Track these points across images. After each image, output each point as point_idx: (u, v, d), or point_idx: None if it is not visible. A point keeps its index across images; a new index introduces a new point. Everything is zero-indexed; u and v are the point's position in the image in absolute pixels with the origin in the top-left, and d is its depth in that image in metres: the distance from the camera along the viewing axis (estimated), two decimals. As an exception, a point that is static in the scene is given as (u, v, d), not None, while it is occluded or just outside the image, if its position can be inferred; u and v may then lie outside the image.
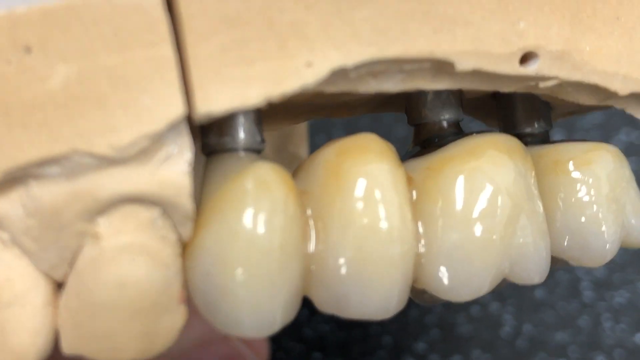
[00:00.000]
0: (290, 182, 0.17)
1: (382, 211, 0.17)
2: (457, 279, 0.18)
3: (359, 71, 0.16)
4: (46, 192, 0.15)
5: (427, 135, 0.20)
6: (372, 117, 0.33)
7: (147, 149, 0.15)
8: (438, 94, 0.20)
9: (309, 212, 0.17)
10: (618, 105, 0.20)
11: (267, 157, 0.18)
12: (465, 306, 0.34)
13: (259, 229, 0.16)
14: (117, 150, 0.15)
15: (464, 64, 0.17)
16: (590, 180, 0.19)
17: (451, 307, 0.33)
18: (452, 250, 0.17)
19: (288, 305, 0.17)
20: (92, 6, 0.15)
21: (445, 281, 0.18)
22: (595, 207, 0.19)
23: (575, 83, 0.18)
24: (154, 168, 0.15)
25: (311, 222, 0.17)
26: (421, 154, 0.19)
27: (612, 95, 0.19)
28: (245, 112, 0.17)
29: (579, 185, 0.19)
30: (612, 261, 0.33)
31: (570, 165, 0.20)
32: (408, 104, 0.20)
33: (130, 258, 0.15)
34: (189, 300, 0.29)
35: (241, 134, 0.17)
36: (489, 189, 0.18)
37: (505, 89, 0.18)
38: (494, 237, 0.18)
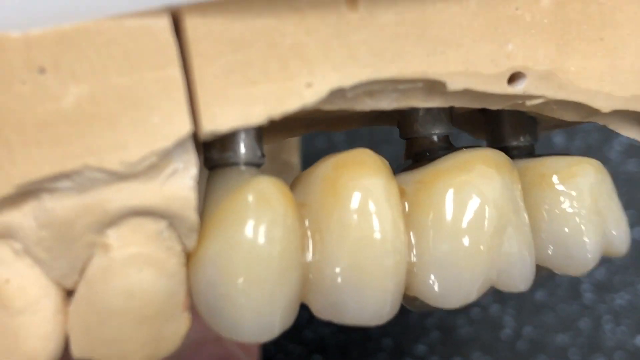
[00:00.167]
0: (289, 196, 0.17)
1: (376, 223, 0.18)
2: (446, 287, 0.19)
3: (355, 91, 0.17)
4: (58, 205, 0.16)
5: (418, 149, 0.21)
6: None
7: (155, 165, 0.16)
8: (429, 110, 0.20)
9: (307, 223, 0.18)
10: (601, 122, 0.21)
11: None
12: (465, 308, 0.33)
13: (260, 240, 0.17)
14: (126, 166, 0.16)
15: (455, 84, 0.18)
16: (574, 193, 0.20)
17: (451, 310, 0.34)
18: (442, 259, 0.18)
19: (287, 312, 0.17)
20: (104, 29, 0.15)
21: (436, 289, 0.19)
22: (578, 218, 0.20)
23: (561, 101, 0.19)
24: (161, 183, 0.16)
25: (309, 233, 0.18)
26: (413, 167, 0.20)
27: (595, 112, 0.20)
28: (247, 129, 0.18)
29: (562, 197, 0.20)
30: (612, 263, 0.34)
31: (555, 179, 0.20)
32: (401, 119, 0.21)
33: (138, 268, 0.16)
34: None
35: (242, 149, 0.18)
36: (477, 202, 0.19)
37: (493, 106, 0.19)
38: (482, 247, 0.18)
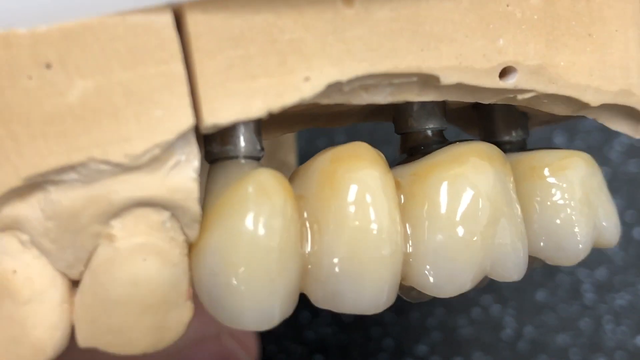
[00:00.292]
0: (288, 187, 0.18)
1: (372, 214, 0.18)
2: (441, 277, 0.19)
3: (352, 85, 0.18)
4: (64, 197, 0.16)
5: (413, 143, 0.21)
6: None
7: (158, 157, 0.16)
8: (423, 105, 0.21)
9: (305, 215, 0.18)
10: (590, 116, 0.21)
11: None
12: (466, 309, 0.34)
13: (259, 230, 0.17)
14: (131, 159, 0.16)
15: (448, 78, 0.18)
16: (565, 185, 0.21)
17: (452, 310, 0.34)
18: (437, 250, 0.19)
19: (286, 301, 0.18)
20: (108, 25, 0.16)
21: (431, 278, 0.19)
22: (569, 209, 0.21)
23: (551, 95, 0.20)
24: (164, 175, 0.16)
25: (307, 225, 0.18)
26: (408, 161, 0.20)
27: (585, 106, 0.20)
28: (246, 123, 0.18)
29: (554, 189, 0.21)
30: (613, 263, 0.35)
31: (546, 171, 0.21)
32: (396, 114, 0.22)
33: (142, 258, 0.17)
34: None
35: (242, 143, 0.18)
36: (471, 194, 0.19)
37: (486, 100, 0.20)
38: (476, 238, 0.19)
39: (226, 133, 0.18)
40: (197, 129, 0.17)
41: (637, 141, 0.37)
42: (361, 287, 0.18)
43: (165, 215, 0.17)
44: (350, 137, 0.34)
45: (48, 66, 0.16)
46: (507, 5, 0.19)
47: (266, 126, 0.21)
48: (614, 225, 0.22)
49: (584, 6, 0.20)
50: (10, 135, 0.16)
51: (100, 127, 0.16)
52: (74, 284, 0.17)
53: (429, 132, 0.21)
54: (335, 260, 0.18)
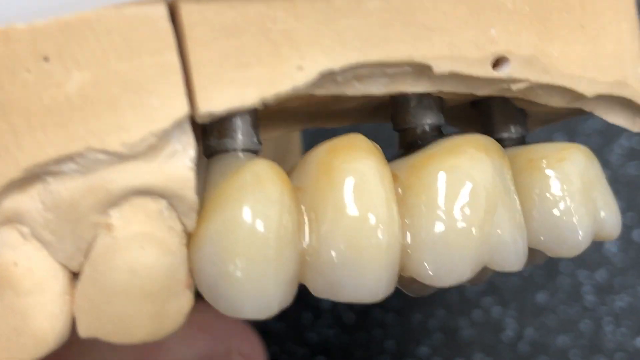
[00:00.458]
0: (285, 178, 0.18)
1: (369, 203, 0.18)
2: (440, 267, 0.19)
3: (345, 75, 0.18)
4: (63, 188, 0.17)
5: (411, 138, 0.21)
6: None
7: (155, 146, 0.17)
8: (420, 100, 0.21)
9: (303, 206, 0.18)
10: (587, 108, 0.21)
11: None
12: (467, 310, 0.34)
13: (256, 219, 0.17)
14: (127, 147, 0.16)
15: (441, 67, 0.18)
16: (563, 176, 0.21)
17: (453, 312, 0.34)
18: (435, 240, 0.19)
19: (285, 289, 0.18)
20: (104, 18, 0.16)
21: (430, 268, 0.19)
22: (568, 201, 0.21)
23: (545, 85, 0.20)
24: (161, 163, 0.17)
25: (305, 215, 0.18)
26: (405, 155, 0.20)
27: (580, 97, 0.21)
28: (243, 115, 0.18)
29: (552, 181, 0.21)
30: (613, 265, 0.35)
31: (544, 163, 0.21)
32: (393, 112, 0.22)
33: (140, 246, 0.17)
34: (191, 316, 0.31)
35: (239, 135, 0.18)
36: (468, 184, 0.19)
37: (480, 91, 0.20)
38: (473, 228, 0.19)
39: (223, 126, 0.18)
40: (194, 122, 0.17)
41: (637, 144, 0.37)
42: (360, 276, 0.18)
43: (162, 204, 0.17)
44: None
45: (46, 59, 0.16)
46: (498, -4, 0.19)
47: (265, 124, 0.21)
48: (614, 217, 0.22)
49: (575, -2, 0.20)
50: (9, 128, 0.16)
51: (97, 117, 0.16)
52: (75, 276, 0.18)
53: (427, 128, 0.21)
54: (333, 249, 0.18)
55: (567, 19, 0.20)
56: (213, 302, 0.18)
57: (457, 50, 0.19)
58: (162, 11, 0.16)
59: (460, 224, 0.19)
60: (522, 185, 0.21)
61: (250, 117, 0.19)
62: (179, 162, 0.17)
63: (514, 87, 0.20)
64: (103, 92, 0.16)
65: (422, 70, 0.19)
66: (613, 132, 0.38)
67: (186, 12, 0.17)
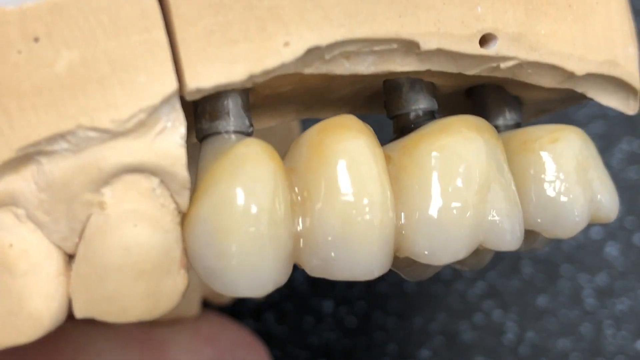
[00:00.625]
0: (276, 157, 0.18)
1: (361, 181, 0.18)
2: (435, 245, 0.19)
3: (332, 52, 0.18)
4: (56, 167, 0.17)
5: (404, 124, 0.22)
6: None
7: (145, 123, 0.17)
8: (412, 86, 0.21)
9: (296, 187, 0.19)
10: (579, 89, 0.22)
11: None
12: (468, 314, 0.34)
13: (249, 197, 0.17)
14: (117, 124, 0.17)
15: (428, 44, 0.19)
16: (557, 157, 0.21)
17: (454, 315, 0.34)
18: (429, 218, 0.19)
19: (279, 267, 0.18)
20: (92, -2, 0.17)
21: (425, 247, 0.19)
22: (564, 181, 0.21)
23: (534, 63, 0.20)
24: (151, 140, 0.17)
25: (298, 195, 0.18)
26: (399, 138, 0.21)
27: (571, 75, 0.21)
28: (234, 97, 0.18)
29: (547, 161, 0.21)
30: (613, 269, 0.35)
31: (538, 144, 0.21)
32: (386, 98, 0.22)
33: (133, 224, 0.17)
34: (197, 326, 0.31)
35: (231, 118, 0.19)
36: (460, 163, 0.19)
37: (470, 70, 0.20)
38: (467, 206, 0.19)
39: (214, 109, 0.19)
40: (187, 107, 0.17)
41: (638, 148, 0.37)
42: (354, 255, 0.18)
43: (154, 181, 0.17)
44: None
45: (36, 40, 0.17)
46: (484, -26, 0.19)
47: (260, 113, 0.21)
48: (611, 198, 0.22)
49: (562, -23, 0.20)
50: (1, 109, 0.16)
51: (87, 96, 0.16)
52: (71, 259, 0.18)
53: (420, 112, 0.21)
54: (327, 228, 0.18)
55: (553, -3, 0.20)
56: (208, 281, 0.18)
57: (443, 27, 0.19)
58: (148, -10, 0.17)
59: (454, 203, 0.19)
60: (517, 167, 0.21)
61: (241, 99, 0.19)
62: (170, 139, 0.17)
63: (503, 65, 0.20)
64: (92, 70, 0.17)
65: (409, 47, 0.19)
66: (614, 136, 0.38)
67: (172, -10, 0.17)
